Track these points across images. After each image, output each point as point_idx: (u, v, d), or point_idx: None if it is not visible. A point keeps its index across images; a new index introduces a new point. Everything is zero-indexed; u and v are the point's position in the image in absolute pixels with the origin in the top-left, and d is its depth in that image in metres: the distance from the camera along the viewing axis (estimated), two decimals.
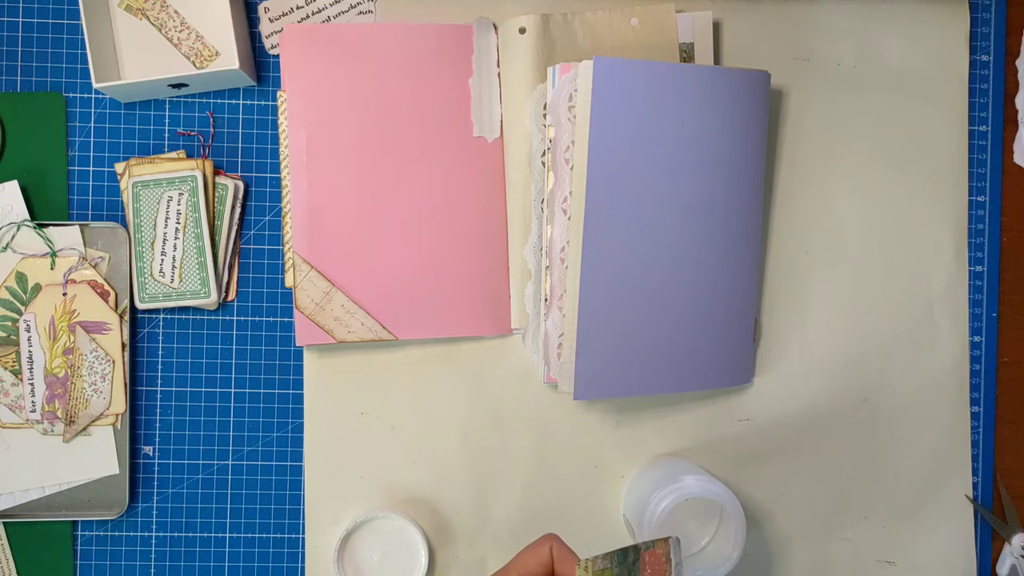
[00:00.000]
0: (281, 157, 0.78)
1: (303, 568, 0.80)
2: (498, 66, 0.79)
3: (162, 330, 0.80)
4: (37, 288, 0.77)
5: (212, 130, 0.80)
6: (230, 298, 0.80)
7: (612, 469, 0.81)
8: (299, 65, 0.77)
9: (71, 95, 0.79)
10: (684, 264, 0.76)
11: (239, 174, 0.80)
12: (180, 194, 0.77)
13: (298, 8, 0.79)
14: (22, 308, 0.77)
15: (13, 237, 0.77)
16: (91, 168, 0.79)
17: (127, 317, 0.78)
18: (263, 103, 0.80)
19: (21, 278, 0.77)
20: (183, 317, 0.80)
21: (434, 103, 0.78)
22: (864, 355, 0.82)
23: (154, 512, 0.80)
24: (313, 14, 0.79)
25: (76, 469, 0.78)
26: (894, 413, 0.82)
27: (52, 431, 0.77)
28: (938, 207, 0.83)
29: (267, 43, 0.80)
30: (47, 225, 0.77)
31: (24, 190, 0.78)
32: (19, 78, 0.79)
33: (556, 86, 0.74)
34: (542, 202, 0.77)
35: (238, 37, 0.76)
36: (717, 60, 0.81)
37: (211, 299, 0.77)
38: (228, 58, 0.78)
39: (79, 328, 0.77)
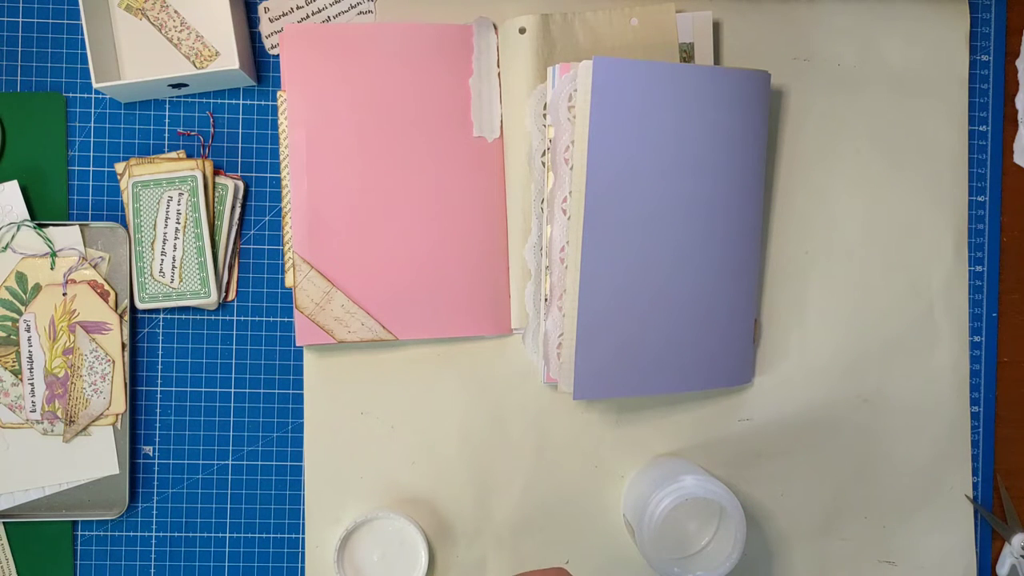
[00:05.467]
0: (281, 157, 0.78)
1: (303, 568, 0.80)
2: (498, 66, 0.79)
3: (162, 330, 0.80)
4: (37, 288, 0.77)
5: (212, 130, 0.80)
6: (230, 298, 0.80)
7: (612, 469, 0.81)
8: (299, 65, 0.77)
9: (71, 95, 0.79)
10: (684, 264, 0.76)
11: (239, 174, 0.80)
12: (180, 194, 0.77)
13: (298, 8, 0.79)
14: (22, 308, 0.77)
15: (13, 237, 0.77)
16: (91, 168, 0.79)
17: (127, 317, 0.78)
18: (263, 103, 0.80)
19: (21, 278, 0.77)
20: (183, 317, 0.80)
21: (434, 103, 0.78)
22: (864, 355, 0.82)
23: (154, 512, 0.80)
24: (313, 14, 0.79)
25: (76, 469, 0.78)
26: (894, 413, 0.82)
27: (52, 431, 0.77)
28: (938, 207, 0.83)
29: (267, 43, 0.80)
30: (47, 225, 0.77)
31: (24, 190, 0.78)
32: (19, 78, 0.79)
33: (556, 86, 0.74)
34: (542, 202, 0.77)
35: (238, 37, 0.76)
36: (717, 60, 0.81)
37: (211, 299, 0.77)
38: (228, 58, 0.78)
39: (79, 328, 0.77)
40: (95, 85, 0.75)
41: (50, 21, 0.79)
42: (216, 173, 0.79)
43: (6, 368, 0.77)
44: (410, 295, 0.78)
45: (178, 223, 0.77)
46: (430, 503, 0.80)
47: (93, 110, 0.79)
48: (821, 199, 0.82)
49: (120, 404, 0.78)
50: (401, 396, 0.80)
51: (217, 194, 0.78)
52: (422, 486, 0.80)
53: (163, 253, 0.77)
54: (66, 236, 0.77)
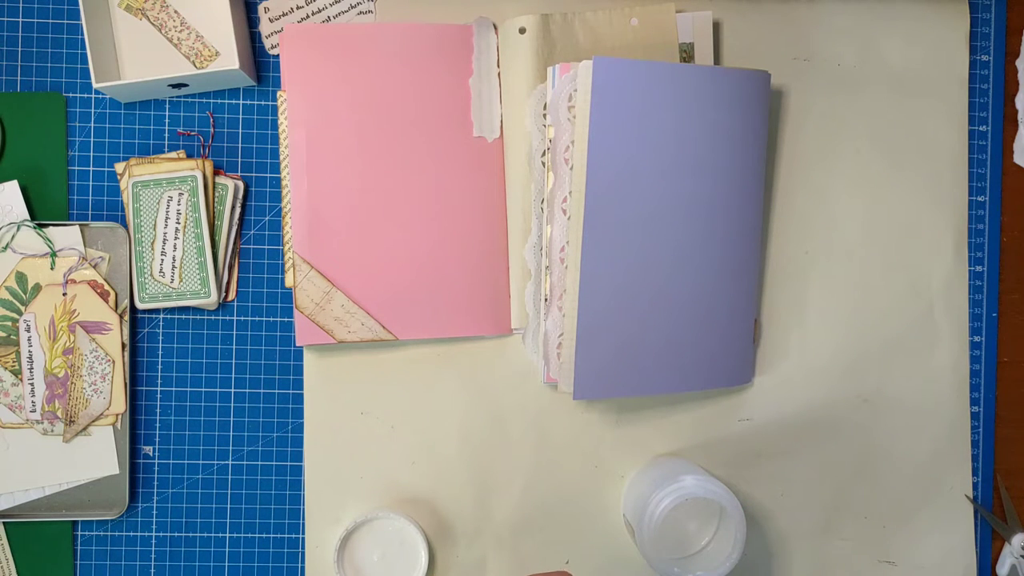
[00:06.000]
0: (281, 157, 0.78)
1: (303, 568, 0.80)
2: (498, 66, 0.79)
3: (162, 330, 0.80)
4: (37, 288, 0.77)
5: (212, 130, 0.80)
6: (230, 298, 0.80)
7: (612, 469, 0.81)
8: (299, 65, 0.77)
9: (71, 95, 0.79)
10: (684, 264, 0.76)
11: (239, 174, 0.80)
12: (180, 194, 0.77)
13: (298, 8, 0.79)
14: (22, 308, 0.77)
15: (13, 237, 0.77)
16: (91, 168, 0.79)
17: (127, 317, 0.78)
18: (263, 103, 0.80)
19: (21, 278, 0.77)
20: (183, 317, 0.80)
21: (434, 103, 0.78)
22: (864, 355, 0.82)
23: (154, 512, 0.80)
24: (313, 14, 0.79)
25: (76, 469, 0.78)
26: (894, 413, 0.82)
27: (52, 431, 0.77)
28: (938, 207, 0.83)
29: (267, 43, 0.80)
30: (47, 225, 0.77)
31: (24, 190, 0.78)
32: (19, 78, 0.79)
33: (556, 86, 0.74)
34: (542, 202, 0.77)
35: (238, 37, 0.76)
36: (717, 60, 0.81)
37: (211, 299, 0.77)
38: (228, 58, 0.78)
39: (79, 328, 0.77)
40: (95, 85, 0.75)
41: (50, 21, 0.79)
42: (216, 173, 0.79)
43: (6, 368, 0.77)
44: (410, 295, 0.78)
45: (178, 223, 0.77)
46: (430, 503, 0.80)
47: (93, 110, 0.79)
48: (821, 199, 0.82)
49: (120, 404, 0.78)
50: (401, 396, 0.80)
51: (217, 194, 0.78)
52: (422, 486, 0.80)
53: (163, 253, 0.77)
54: (66, 236, 0.77)
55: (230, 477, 0.80)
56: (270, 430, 0.80)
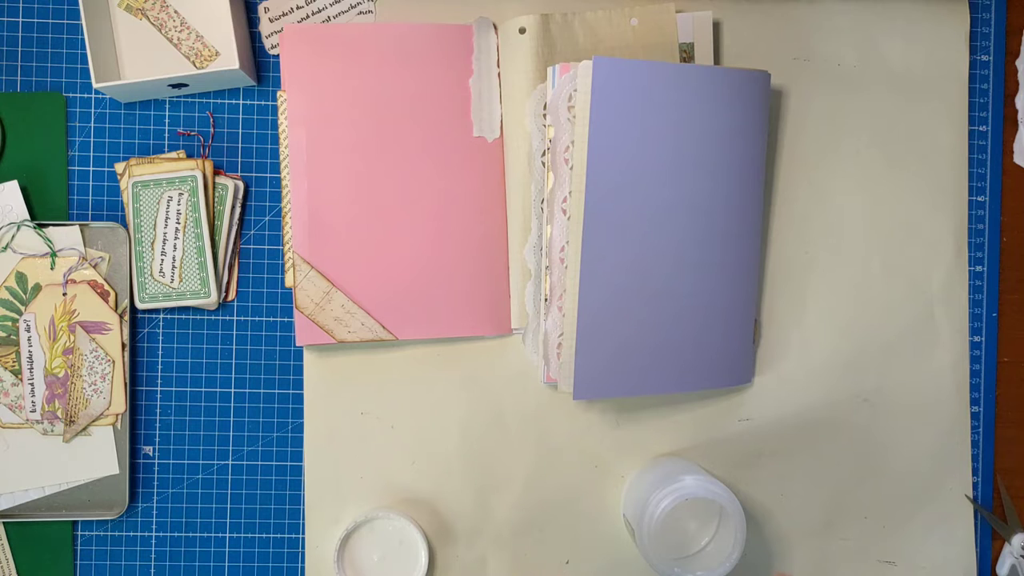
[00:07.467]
0: (281, 157, 0.78)
1: (303, 568, 0.80)
2: (498, 66, 0.79)
3: (162, 330, 0.80)
4: (37, 288, 0.77)
5: (212, 130, 0.80)
6: (230, 298, 0.80)
7: (612, 469, 0.81)
8: (299, 65, 0.77)
9: (71, 95, 0.79)
10: (684, 264, 0.76)
11: (239, 174, 0.80)
12: (180, 194, 0.77)
13: (298, 8, 0.79)
14: (22, 308, 0.77)
15: (13, 237, 0.77)
16: (91, 168, 0.79)
17: (127, 317, 0.78)
18: (263, 103, 0.80)
19: (21, 278, 0.77)
20: (183, 317, 0.80)
21: (434, 103, 0.78)
22: (864, 355, 0.82)
23: (154, 512, 0.80)
24: (313, 14, 0.79)
25: (76, 469, 0.78)
26: (894, 413, 0.82)
27: (52, 431, 0.77)
28: (938, 207, 0.83)
29: (267, 43, 0.80)
30: (47, 225, 0.77)
31: (24, 190, 0.78)
32: (19, 78, 0.79)
33: (556, 86, 0.74)
34: (542, 202, 0.77)
35: (238, 37, 0.76)
36: (717, 60, 0.81)
37: (211, 299, 0.77)
38: (228, 58, 0.78)
39: (79, 328, 0.77)
40: (95, 85, 0.75)
41: (50, 21, 0.79)
42: (216, 173, 0.79)
43: (6, 368, 0.77)
44: (410, 295, 0.78)
45: (178, 223, 0.77)
46: (430, 503, 0.80)
47: (93, 110, 0.79)
48: (821, 199, 0.82)
49: (120, 404, 0.78)
50: (401, 396, 0.80)
51: (217, 194, 0.78)
52: (422, 486, 0.80)
53: (163, 253, 0.77)
54: (66, 236, 0.77)
55: (230, 477, 0.80)
56: (270, 430, 0.80)
